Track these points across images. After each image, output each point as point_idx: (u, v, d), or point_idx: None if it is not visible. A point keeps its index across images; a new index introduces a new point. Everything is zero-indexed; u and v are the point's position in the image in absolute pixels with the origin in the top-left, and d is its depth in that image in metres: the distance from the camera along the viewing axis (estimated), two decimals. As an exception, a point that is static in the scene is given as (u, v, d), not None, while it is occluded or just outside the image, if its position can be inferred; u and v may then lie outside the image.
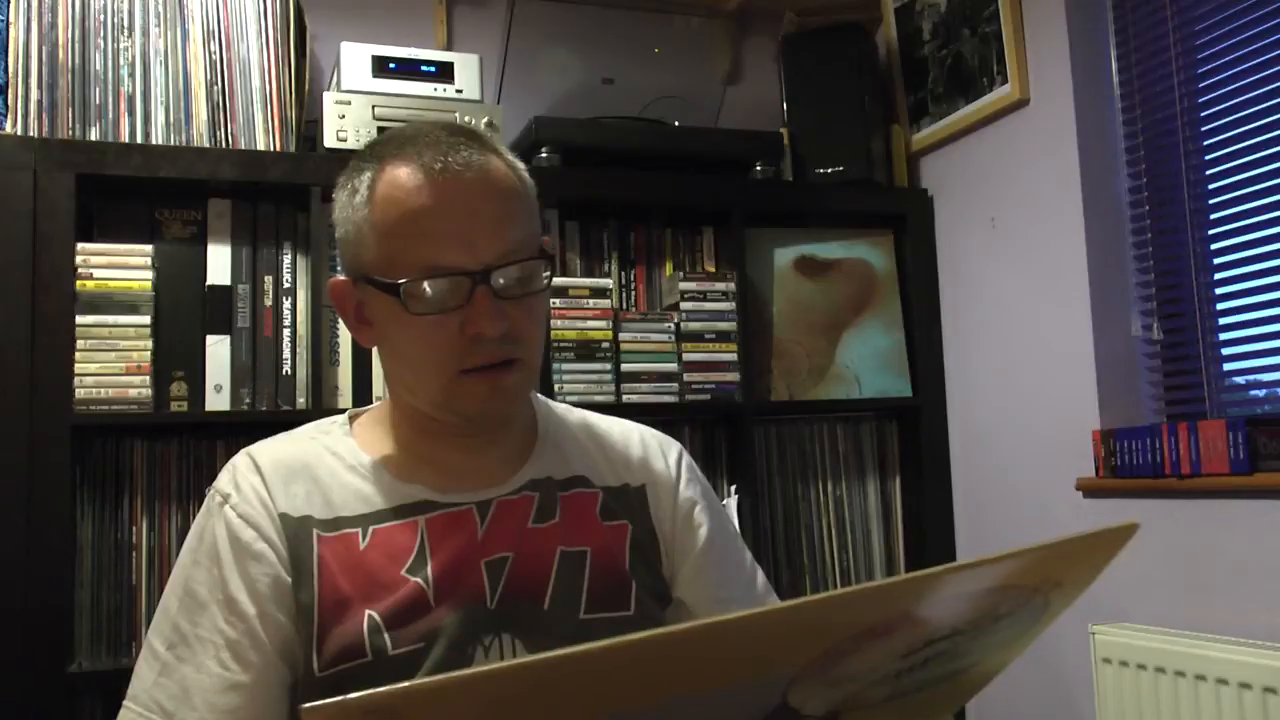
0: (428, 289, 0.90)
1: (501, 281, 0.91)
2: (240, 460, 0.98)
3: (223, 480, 0.97)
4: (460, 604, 0.91)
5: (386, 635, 0.89)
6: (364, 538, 0.93)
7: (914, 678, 0.63)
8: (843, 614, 0.55)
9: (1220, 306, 1.91)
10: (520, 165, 0.98)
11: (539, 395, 1.10)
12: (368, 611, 0.90)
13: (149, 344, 1.90)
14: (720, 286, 2.28)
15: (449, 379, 0.93)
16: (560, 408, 1.11)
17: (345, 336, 2.05)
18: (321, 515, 0.94)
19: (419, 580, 0.91)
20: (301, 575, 0.91)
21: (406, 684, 0.45)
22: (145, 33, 2.00)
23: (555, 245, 2.22)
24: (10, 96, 1.91)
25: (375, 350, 1.02)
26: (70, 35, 1.95)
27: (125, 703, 0.90)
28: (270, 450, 0.98)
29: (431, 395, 0.95)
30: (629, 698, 0.51)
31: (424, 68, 2.12)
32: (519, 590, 0.94)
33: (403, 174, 0.92)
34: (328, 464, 0.98)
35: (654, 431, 1.12)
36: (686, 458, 1.11)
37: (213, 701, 0.88)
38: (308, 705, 0.44)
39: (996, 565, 0.58)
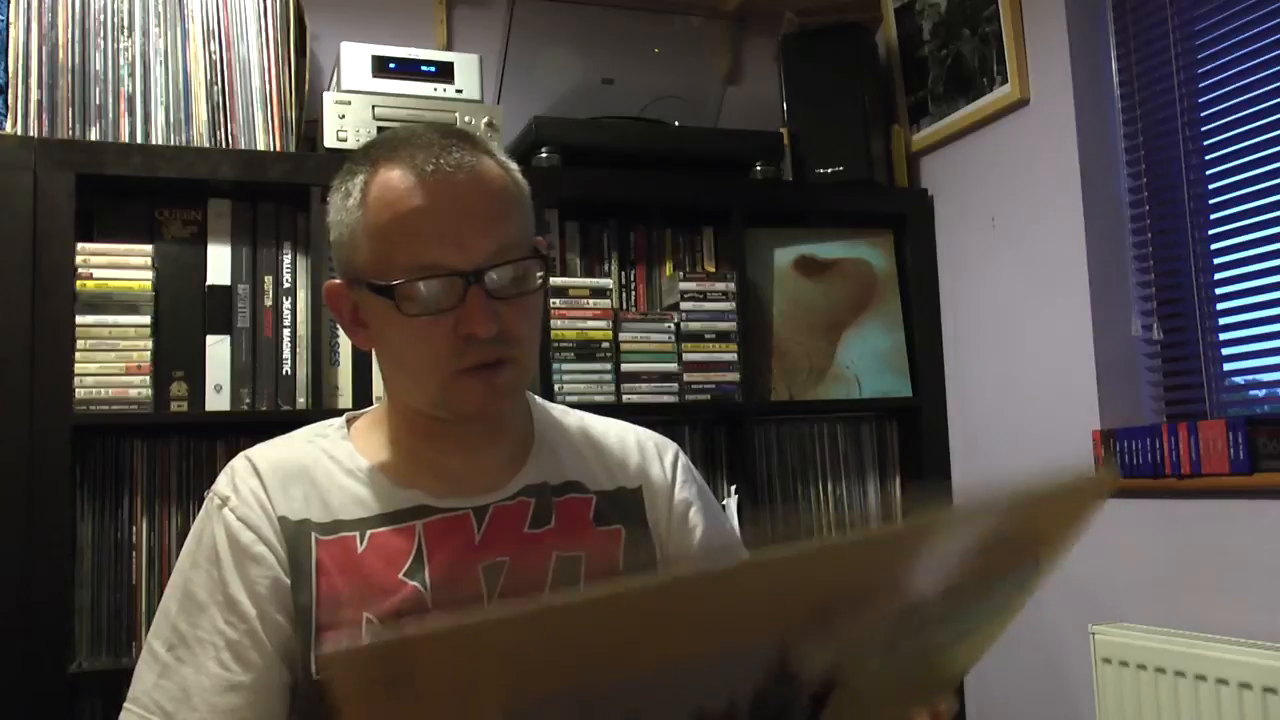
0: (421, 290, 0.90)
1: (495, 281, 0.91)
2: (238, 463, 0.98)
3: (221, 483, 0.97)
4: (458, 607, 0.91)
5: (384, 638, 0.89)
6: (361, 542, 0.94)
7: (910, 644, 0.63)
8: (830, 566, 0.56)
9: (1220, 306, 1.91)
10: (514, 166, 0.98)
11: (536, 399, 1.10)
12: (366, 615, 0.90)
13: (149, 344, 1.90)
14: (720, 286, 2.27)
15: (444, 380, 0.92)
16: (557, 410, 1.11)
17: (345, 337, 2.05)
18: (319, 519, 0.94)
19: (416, 584, 0.92)
20: (300, 578, 0.92)
21: (418, 628, 0.44)
22: (145, 33, 2.00)
23: (554, 246, 2.21)
24: (10, 96, 1.91)
25: (374, 352, 1.02)
26: (70, 35, 1.95)
27: (126, 705, 0.91)
28: (268, 453, 0.99)
29: (428, 396, 0.95)
30: (635, 659, 0.51)
31: (424, 68, 2.12)
32: (516, 594, 0.94)
33: (395, 176, 0.92)
34: (325, 467, 0.98)
35: (650, 433, 1.12)
36: (683, 459, 1.11)
37: (213, 702, 0.88)
38: (323, 653, 0.44)
39: (983, 515, 0.58)
